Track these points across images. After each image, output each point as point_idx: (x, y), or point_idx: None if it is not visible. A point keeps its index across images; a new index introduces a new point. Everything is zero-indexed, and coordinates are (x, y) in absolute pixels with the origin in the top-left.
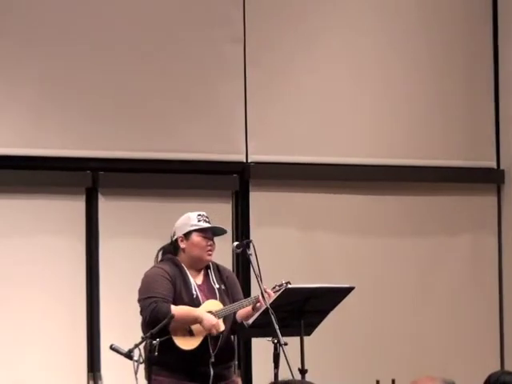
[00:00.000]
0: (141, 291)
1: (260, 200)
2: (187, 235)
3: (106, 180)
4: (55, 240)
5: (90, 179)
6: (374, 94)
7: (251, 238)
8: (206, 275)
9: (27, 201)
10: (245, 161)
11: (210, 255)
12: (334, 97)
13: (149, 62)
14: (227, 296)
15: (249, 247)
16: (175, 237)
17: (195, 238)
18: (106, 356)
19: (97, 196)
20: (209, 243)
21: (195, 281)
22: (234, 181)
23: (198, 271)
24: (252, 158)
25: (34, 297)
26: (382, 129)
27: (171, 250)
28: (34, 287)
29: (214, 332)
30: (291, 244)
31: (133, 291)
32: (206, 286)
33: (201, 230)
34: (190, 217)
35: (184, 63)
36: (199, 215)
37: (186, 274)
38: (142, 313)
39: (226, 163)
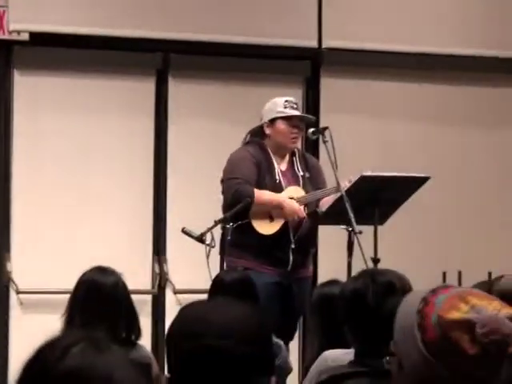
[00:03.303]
0: (225, 172)
1: (331, 87)
2: (272, 121)
3: (176, 62)
4: (125, 120)
5: (161, 61)
6: None
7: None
8: (291, 162)
9: (98, 81)
10: (317, 46)
11: (294, 143)
12: None
13: None
14: (311, 184)
15: (324, 134)
16: (262, 121)
17: (280, 125)
18: (172, 240)
19: (167, 78)
20: (294, 131)
21: (279, 167)
22: (306, 66)
23: (283, 157)
24: (325, 43)
25: (104, 174)
26: (461, 16)
27: (259, 134)
28: (104, 164)
29: (296, 218)
30: (363, 132)
31: (200, 173)
32: (290, 172)
33: (286, 118)
34: (277, 102)
35: None
36: (286, 101)
37: (270, 158)
38: (223, 193)
39: (298, 48)
